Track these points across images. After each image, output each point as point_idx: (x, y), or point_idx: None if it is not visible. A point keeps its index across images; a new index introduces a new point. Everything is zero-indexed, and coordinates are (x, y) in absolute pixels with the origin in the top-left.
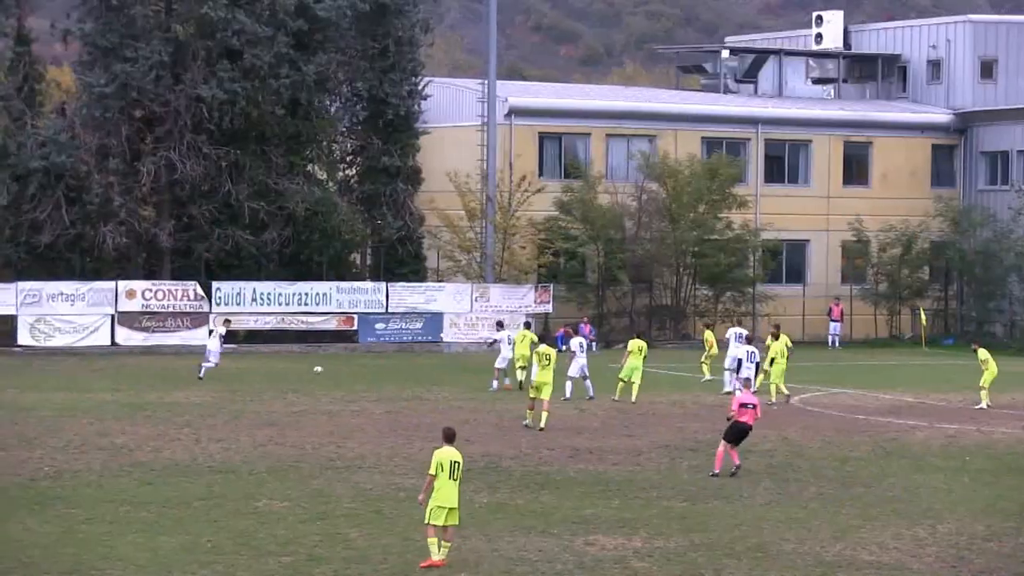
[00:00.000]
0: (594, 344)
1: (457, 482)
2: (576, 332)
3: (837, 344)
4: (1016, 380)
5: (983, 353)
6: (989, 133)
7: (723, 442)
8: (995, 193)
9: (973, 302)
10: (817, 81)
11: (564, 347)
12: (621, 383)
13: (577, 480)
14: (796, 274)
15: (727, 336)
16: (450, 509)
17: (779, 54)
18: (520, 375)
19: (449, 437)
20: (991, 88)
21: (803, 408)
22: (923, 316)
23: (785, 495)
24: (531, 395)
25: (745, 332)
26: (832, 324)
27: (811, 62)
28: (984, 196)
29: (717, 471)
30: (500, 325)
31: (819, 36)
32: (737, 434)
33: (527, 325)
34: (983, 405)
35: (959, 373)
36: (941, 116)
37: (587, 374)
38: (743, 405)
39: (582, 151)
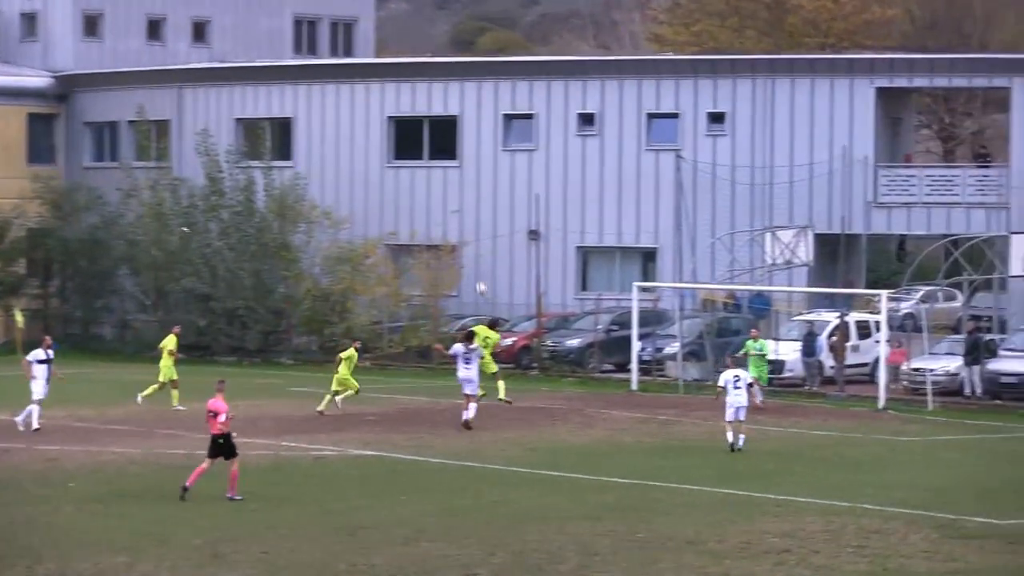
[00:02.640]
0: None
1: None
2: None
3: None
4: (130, 389)
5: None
6: (94, 100)
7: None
8: (103, 171)
9: (78, 300)
10: None
11: None
12: None
13: None
14: None
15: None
16: None
17: None
18: None
19: None
20: (96, 47)
21: None
22: (19, 317)
23: None
24: None
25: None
26: None
27: None
28: (91, 174)
29: (188, 485)
30: None
31: None
32: (214, 448)
33: None
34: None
35: (77, 386)
36: (38, 80)
37: None
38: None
39: None
